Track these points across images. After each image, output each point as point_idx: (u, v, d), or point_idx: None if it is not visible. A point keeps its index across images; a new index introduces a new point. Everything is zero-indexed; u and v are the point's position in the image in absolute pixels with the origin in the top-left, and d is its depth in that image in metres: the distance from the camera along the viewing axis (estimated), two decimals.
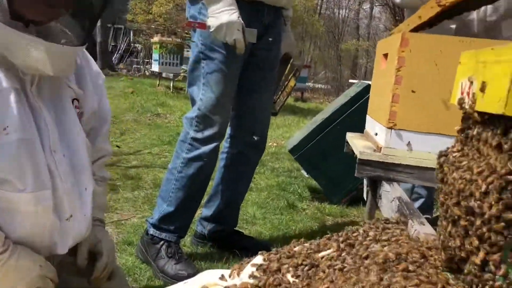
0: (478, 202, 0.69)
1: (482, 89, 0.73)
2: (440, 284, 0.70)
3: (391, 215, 1.47)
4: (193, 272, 2.25)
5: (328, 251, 0.93)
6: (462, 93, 0.86)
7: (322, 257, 0.92)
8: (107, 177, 1.70)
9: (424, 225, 1.18)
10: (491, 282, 0.67)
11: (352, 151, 2.07)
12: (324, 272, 0.87)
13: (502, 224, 0.66)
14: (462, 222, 0.73)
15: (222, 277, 1.00)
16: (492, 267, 0.68)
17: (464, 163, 0.77)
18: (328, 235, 1.01)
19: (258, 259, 1.00)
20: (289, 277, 0.89)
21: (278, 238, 2.87)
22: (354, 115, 3.39)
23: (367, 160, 1.68)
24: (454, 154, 0.83)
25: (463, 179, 0.73)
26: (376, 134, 1.81)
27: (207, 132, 2.29)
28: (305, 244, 1.00)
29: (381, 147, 1.69)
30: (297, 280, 0.87)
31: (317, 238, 2.14)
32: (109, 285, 1.59)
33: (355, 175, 1.71)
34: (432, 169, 1.64)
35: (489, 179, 0.68)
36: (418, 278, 0.71)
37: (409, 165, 1.66)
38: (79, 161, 1.43)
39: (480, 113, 0.76)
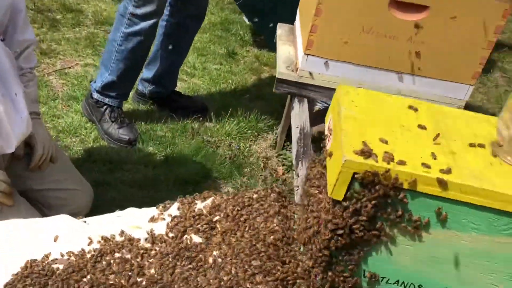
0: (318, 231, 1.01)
1: (330, 156, 0.97)
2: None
3: (294, 145, 1.78)
4: (134, 137, 2.57)
5: (222, 215, 1.26)
6: (329, 127, 1.09)
7: (218, 220, 1.26)
8: (35, 64, 1.81)
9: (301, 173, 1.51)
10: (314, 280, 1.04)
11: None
12: (219, 234, 1.22)
13: (322, 254, 0.99)
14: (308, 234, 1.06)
15: (151, 219, 1.32)
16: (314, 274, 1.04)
17: (317, 192, 1.06)
18: (227, 194, 1.32)
19: (174, 208, 1.33)
20: (193, 236, 1.23)
21: (215, 94, 3.15)
22: None
23: (285, 80, 1.90)
24: (313, 175, 1.11)
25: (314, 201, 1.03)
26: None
27: (146, 9, 2.33)
28: (208, 202, 1.32)
29: (298, 68, 1.89)
30: (200, 240, 1.22)
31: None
32: (52, 168, 1.89)
33: (274, 90, 1.94)
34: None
35: (320, 223, 0.98)
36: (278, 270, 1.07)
37: (320, 86, 1.90)
38: (1, 69, 1.51)
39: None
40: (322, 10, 1.72)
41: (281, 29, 2.26)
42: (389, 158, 0.87)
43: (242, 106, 2.95)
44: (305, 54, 1.83)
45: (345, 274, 1.01)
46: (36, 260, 1.18)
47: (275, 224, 1.21)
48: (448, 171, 0.88)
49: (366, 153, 0.87)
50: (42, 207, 1.82)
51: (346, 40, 1.78)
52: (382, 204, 0.91)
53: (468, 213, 0.91)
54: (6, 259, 1.20)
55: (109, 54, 2.49)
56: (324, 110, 2.30)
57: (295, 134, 1.79)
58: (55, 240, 1.30)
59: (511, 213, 0.88)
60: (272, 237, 1.17)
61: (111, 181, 2.28)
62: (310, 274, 1.06)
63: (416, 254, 0.97)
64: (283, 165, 2.58)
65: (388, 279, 1.02)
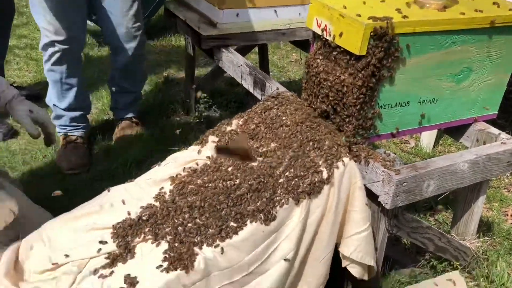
0: (346, 94, 1.49)
1: (340, 35, 1.46)
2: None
3: (241, 76, 2.19)
4: None
5: (253, 125, 1.65)
6: (319, 26, 1.56)
7: (254, 128, 1.64)
8: None
9: (278, 87, 1.96)
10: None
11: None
12: (261, 132, 1.61)
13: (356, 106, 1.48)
14: (331, 99, 1.54)
15: (198, 152, 1.61)
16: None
17: (330, 66, 1.53)
18: (246, 113, 1.70)
19: (212, 138, 1.64)
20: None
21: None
22: None
23: (210, 35, 2.28)
24: (318, 60, 1.58)
25: (333, 78, 1.50)
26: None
27: None
28: (234, 123, 1.68)
29: (216, 23, 2.29)
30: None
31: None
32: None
33: (201, 47, 2.31)
34: (252, 32, 2.38)
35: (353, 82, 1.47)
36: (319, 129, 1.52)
37: (237, 33, 2.34)
38: None
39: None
40: None
41: (171, 4, 2.60)
42: (386, 19, 1.40)
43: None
44: (219, 9, 2.24)
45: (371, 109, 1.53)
46: None
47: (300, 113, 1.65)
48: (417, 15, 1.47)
49: (374, 18, 1.39)
50: None
51: None
52: (386, 48, 1.44)
53: (427, 40, 1.50)
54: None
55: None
56: None
57: (237, 72, 2.19)
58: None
59: (448, 31, 1.51)
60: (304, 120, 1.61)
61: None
62: (346, 124, 1.55)
63: (404, 79, 1.54)
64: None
65: (390, 103, 1.57)
